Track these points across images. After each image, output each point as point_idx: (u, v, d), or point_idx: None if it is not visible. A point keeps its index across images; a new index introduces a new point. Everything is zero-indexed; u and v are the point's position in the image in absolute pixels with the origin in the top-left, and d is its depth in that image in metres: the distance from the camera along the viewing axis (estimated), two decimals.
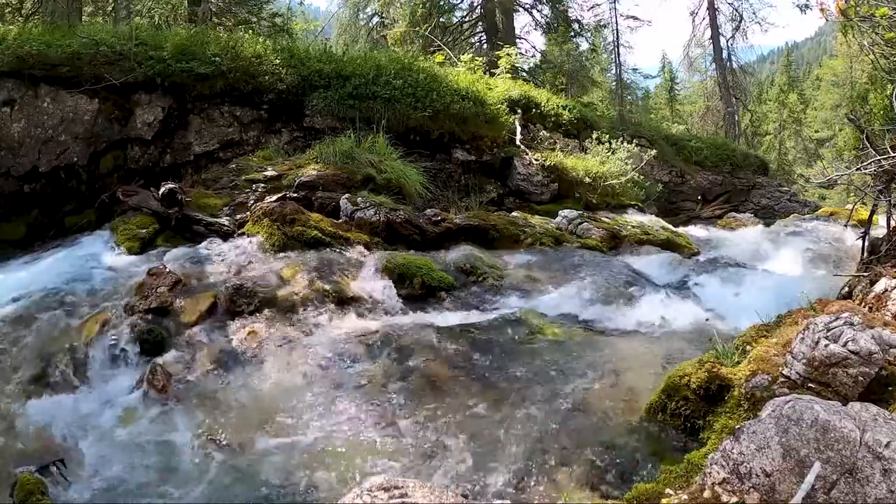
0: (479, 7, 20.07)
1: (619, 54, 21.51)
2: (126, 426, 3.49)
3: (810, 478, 1.85)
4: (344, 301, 4.80)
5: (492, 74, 12.35)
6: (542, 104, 11.37)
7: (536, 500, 2.73)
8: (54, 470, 2.98)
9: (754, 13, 22.93)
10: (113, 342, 4.18)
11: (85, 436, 3.41)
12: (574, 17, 20.55)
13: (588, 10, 20.87)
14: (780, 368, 2.80)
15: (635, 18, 21.46)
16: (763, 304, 3.95)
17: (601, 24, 21.25)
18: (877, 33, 4.81)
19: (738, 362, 3.04)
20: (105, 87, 7.26)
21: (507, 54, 13.31)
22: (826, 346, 2.66)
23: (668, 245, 7.42)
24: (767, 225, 9.65)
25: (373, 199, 6.42)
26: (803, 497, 1.82)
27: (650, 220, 8.81)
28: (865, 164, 4.01)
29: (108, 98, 7.37)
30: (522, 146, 9.71)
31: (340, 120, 8.16)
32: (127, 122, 7.51)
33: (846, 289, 4.07)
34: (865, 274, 3.90)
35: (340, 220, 6.19)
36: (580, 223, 7.34)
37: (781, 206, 13.25)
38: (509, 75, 12.67)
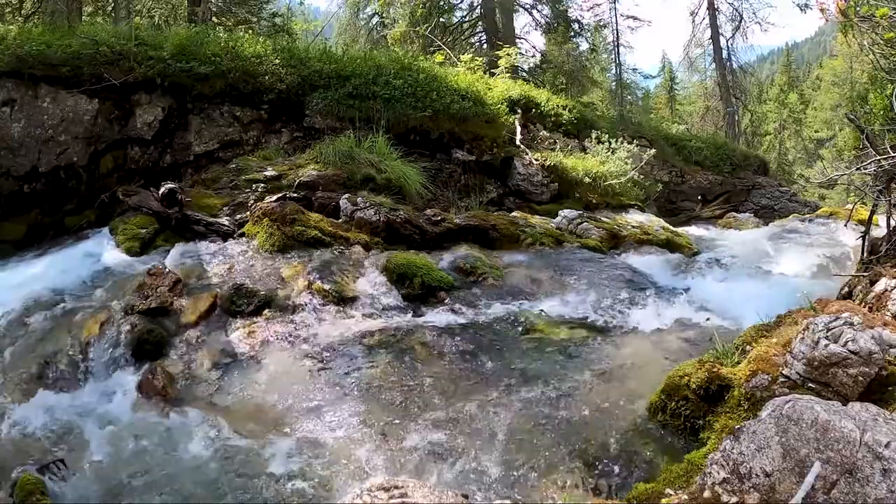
0: (479, 7, 20.04)
1: (619, 54, 21.57)
2: (126, 426, 3.49)
3: (810, 478, 1.85)
4: (344, 301, 4.81)
5: (492, 74, 12.32)
6: (542, 104, 11.34)
7: (536, 500, 2.73)
8: (54, 470, 2.97)
9: (754, 13, 22.96)
10: (113, 342, 4.18)
11: (85, 435, 3.41)
12: (574, 17, 20.56)
13: (588, 10, 20.90)
14: (780, 368, 2.80)
15: (635, 18, 21.51)
16: (763, 304, 3.95)
17: (601, 24, 21.29)
18: (877, 33, 4.81)
19: (738, 362, 3.05)
20: (105, 87, 7.24)
21: (507, 54, 13.29)
22: (826, 346, 2.66)
23: (668, 245, 7.41)
24: (767, 225, 9.63)
25: (373, 199, 6.42)
26: (803, 497, 1.82)
27: (650, 220, 8.79)
28: (865, 164, 4.02)
29: (108, 98, 7.35)
30: (522, 146, 9.69)
31: (340, 120, 8.15)
32: (127, 122, 7.49)
33: (846, 289, 4.07)
34: (865, 274, 3.90)
35: (340, 220, 6.19)
36: (580, 223, 7.33)
37: (781, 206, 13.22)
38: (509, 75, 12.64)
